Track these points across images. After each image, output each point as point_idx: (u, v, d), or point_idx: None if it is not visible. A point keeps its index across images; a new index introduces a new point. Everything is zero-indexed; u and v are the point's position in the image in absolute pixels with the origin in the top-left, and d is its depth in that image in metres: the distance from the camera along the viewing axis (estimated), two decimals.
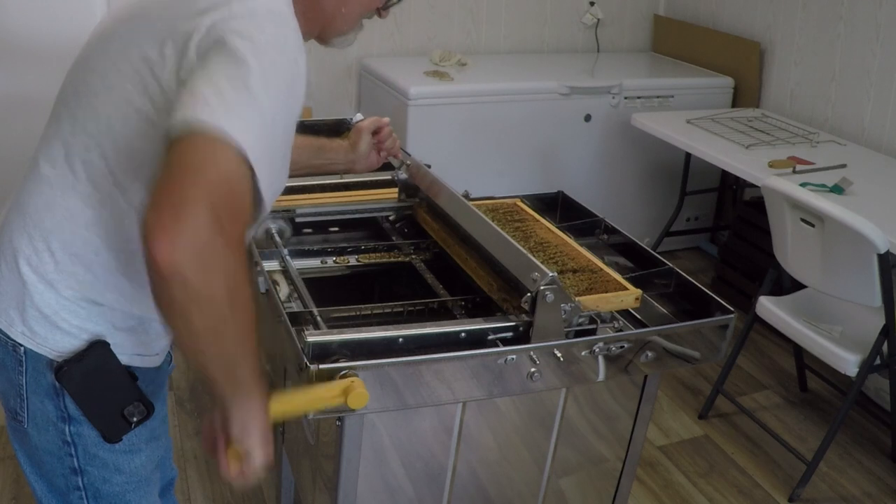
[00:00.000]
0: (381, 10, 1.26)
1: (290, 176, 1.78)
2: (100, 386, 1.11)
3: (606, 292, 1.41)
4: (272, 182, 0.98)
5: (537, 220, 1.70)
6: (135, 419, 1.13)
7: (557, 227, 1.69)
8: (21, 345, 1.09)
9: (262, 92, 0.92)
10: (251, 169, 0.90)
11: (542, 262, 1.45)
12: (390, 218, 1.81)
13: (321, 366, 1.18)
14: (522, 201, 1.81)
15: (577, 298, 1.36)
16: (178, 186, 0.84)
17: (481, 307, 1.47)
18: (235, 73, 0.92)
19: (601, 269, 1.49)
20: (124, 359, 1.12)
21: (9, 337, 1.10)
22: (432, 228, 1.68)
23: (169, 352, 1.28)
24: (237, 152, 0.88)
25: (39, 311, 1.08)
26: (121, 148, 1.03)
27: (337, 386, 1.15)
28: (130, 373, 1.13)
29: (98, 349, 1.09)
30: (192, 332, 0.89)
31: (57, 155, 1.08)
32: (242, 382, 0.98)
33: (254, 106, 0.91)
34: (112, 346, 1.11)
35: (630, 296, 1.42)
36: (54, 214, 1.07)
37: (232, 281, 0.87)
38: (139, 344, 1.15)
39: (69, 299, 1.08)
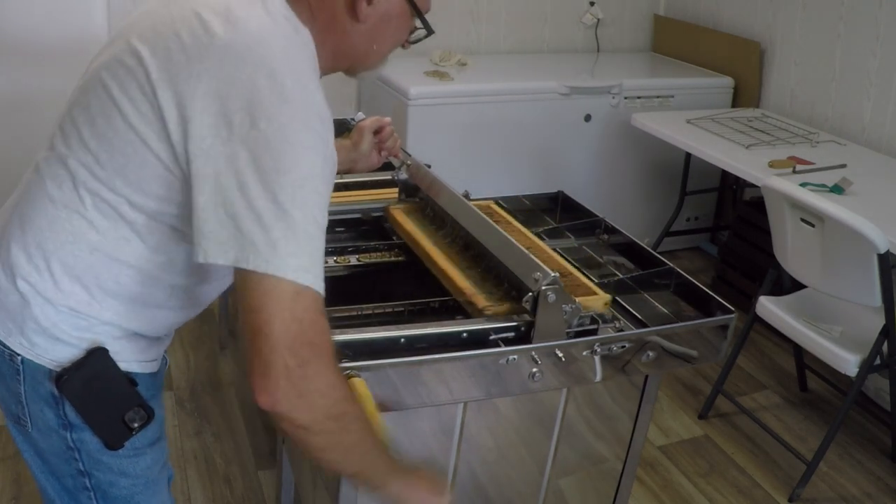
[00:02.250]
0: (406, 42, 1.24)
1: None
2: (100, 393, 1.11)
3: (576, 296, 1.39)
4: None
5: (510, 223, 1.69)
6: (136, 425, 1.13)
7: (533, 232, 1.70)
8: (18, 354, 1.08)
9: (300, 200, 0.93)
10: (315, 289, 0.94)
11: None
12: (364, 219, 1.80)
13: None
14: (496, 203, 1.81)
15: None
16: (257, 351, 0.91)
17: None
18: (267, 188, 0.92)
19: (571, 273, 1.48)
20: (123, 365, 1.12)
21: (6, 347, 1.09)
22: (402, 231, 1.67)
23: (163, 355, 1.28)
24: (298, 288, 0.91)
25: (38, 323, 1.07)
26: (132, 184, 1.02)
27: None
28: (130, 379, 1.12)
29: (97, 356, 1.09)
30: (334, 456, 1.01)
31: (64, 178, 1.06)
32: (385, 474, 1.09)
33: (298, 226, 0.92)
34: (111, 354, 1.10)
35: (599, 300, 1.41)
36: (57, 236, 1.06)
37: (334, 398, 0.96)
38: (138, 351, 1.14)
39: (67, 313, 1.07)
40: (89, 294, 1.07)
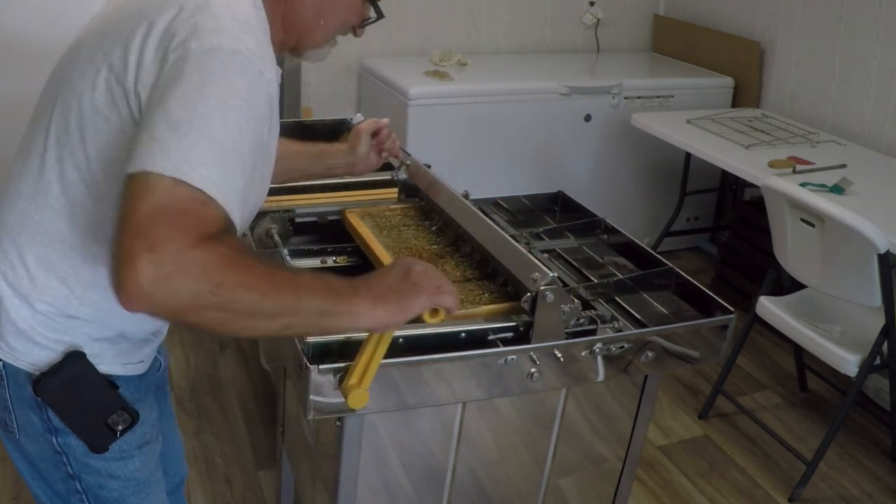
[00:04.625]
0: (357, 28, 1.25)
1: (290, 182, 1.79)
2: (79, 397, 1.10)
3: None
4: (248, 194, 0.97)
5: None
6: (119, 428, 1.12)
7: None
8: (0, 360, 1.08)
9: (220, 120, 0.91)
10: (213, 199, 0.89)
11: (456, 265, 1.47)
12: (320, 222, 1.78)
13: (321, 366, 1.18)
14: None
15: (491, 305, 1.36)
16: (121, 238, 0.85)
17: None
18: (191, 104, 0.90)
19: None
20: (104, 368, 1.11)
21: None
22: (356, 234, 1.66)
23: (157, 357, 1.27)
24: (177, 181, 0.87)
25: (15, 325, 1.07)
26: (93, 158, 1.02)
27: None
28: (111, 382, 1.12)
29: (74, 360, 1.08)
30: (241, 325, 0.90)
31: (31, 168, 1.07)
32: (332, 311, 0.97)
33: (211, 140, 0.90)
34: (90, 357, 1.09)
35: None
36: (28, 229, 1.06)
37: (201, 270, 0.86)
38: (120, 353, 1.14)
39: (44, 314, 1.07)
40: (67, 288, 1.07)
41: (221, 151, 0.90)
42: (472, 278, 1.47)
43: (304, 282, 0.96)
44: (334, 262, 1.67)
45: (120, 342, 1.14)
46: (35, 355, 1.08)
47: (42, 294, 1.06)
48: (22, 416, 1.11)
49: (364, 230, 1.64)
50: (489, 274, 1.47)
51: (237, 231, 0.93)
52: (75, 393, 1.09)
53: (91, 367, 1.09)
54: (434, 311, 1.10)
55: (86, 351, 1.09)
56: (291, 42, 1.20)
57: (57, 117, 1.05)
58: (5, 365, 1.09)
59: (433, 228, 1.67)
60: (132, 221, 0.84)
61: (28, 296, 1.06)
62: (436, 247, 1.58)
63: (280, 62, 1.17)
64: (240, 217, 0.94)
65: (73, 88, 1.04)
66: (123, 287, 0.83)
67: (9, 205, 1.09)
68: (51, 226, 1.05)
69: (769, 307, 2.44)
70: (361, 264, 1.65)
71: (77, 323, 1.09)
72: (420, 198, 1.80)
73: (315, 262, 1.72)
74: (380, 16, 1.24)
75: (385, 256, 1.53)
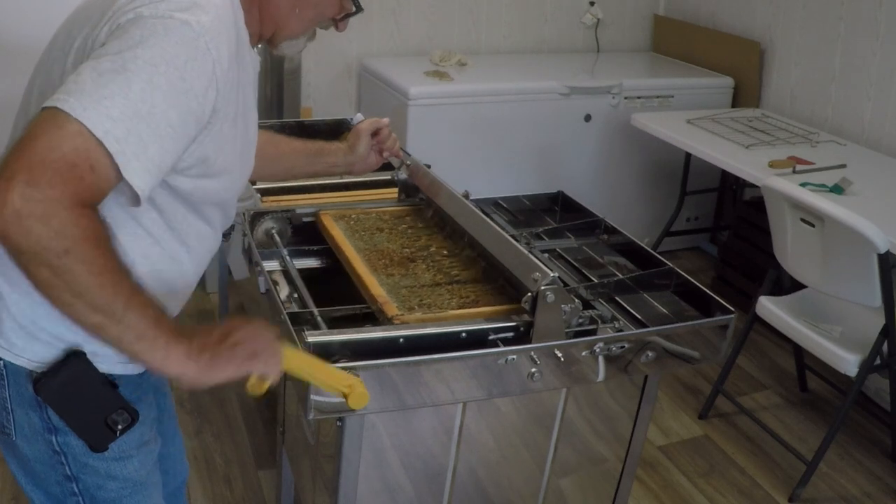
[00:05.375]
0: (339, 22, 1.25)
1: (292, 180, 1.78)
2: (79, 397, 1.09)
3: (494, 305, 1.39)
4: (162, 161, 0.95)
5: (443, 229, 1.69)
6: (119, 427, 1.11)
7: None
8: (0, 358, 1.08)
9: (144, 82, 0.91)
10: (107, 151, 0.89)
11: (426, 269, 1.48)
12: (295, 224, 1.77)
13: None
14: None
15: (458, 311, 1.36)
16: (5, 162, 0.86)
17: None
18: (122, 60, 0.91)
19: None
20: (104, 367, 1.11)
21: None
22: (328, 236, 1.66)
23: None
24: (82, 130, 0.87)
25: (16, 321, 1.07)
26: None
27: (343, 380, 1.14)
28: (111, 381, 1.11)
29: (74, 360, 1.07)
30: (61, 296, 0.90)
31: None
32: (140, 339, 0.95)
33: (127, 98, 0.90)
34: (90, 356, 1.09)
35: (517, 310, 1.38)
36: None
37: (56, 231, 0.86)
38: (119, 351, 1.13)
39: (44, 308, 1.03)
40: None
41: (133, 112, 0.90)
42: (441, 283, 1.46)
43: (140, 301, 0.95)
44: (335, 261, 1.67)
45: None
46: (36, 352, 1.08)
47: None
48: (21, 416, 1.11)
49: (336, 232, 1.64)
50: (458, 279, 1.47)
51: (141, 197, 0.93)
52: (75, 392, 1.09)
53: (91, 366, 1.09)
54: (261, 380, 1.05)
55: (85, 349, 1.09)
56: (268, 32, 1.19)
57: (35, 108, 1.05)
58: (6, 364, 1.08)
59: (409, 232, 1.66)
60: (27, 149, 0.85)
61: (28, 291, 1.06)
62: (407, 250, 1.58)
63: (268, 53, 1.17)
64: (149, 182, 0.93)
65: (50, 78, 1.05)
66: None
67: None
68: None
69: (769, 307, 2.44)
70: (333, 266, 1.64)
71: None
72: (420, 198, 1.80)
73: (315, 263, 1.72)
74: (359, 9, 1.24)
75: (356, 259, 1.53)
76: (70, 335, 1.08)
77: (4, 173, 0.84)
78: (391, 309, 1.36)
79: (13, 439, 1.13)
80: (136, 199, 0.94)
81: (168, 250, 1.10)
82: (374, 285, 1.44)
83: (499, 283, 1.46)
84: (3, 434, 1.14)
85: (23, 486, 1.19)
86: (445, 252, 1.57)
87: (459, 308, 1.38)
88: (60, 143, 0.86)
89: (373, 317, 1.42)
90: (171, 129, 0.94)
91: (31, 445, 1.13)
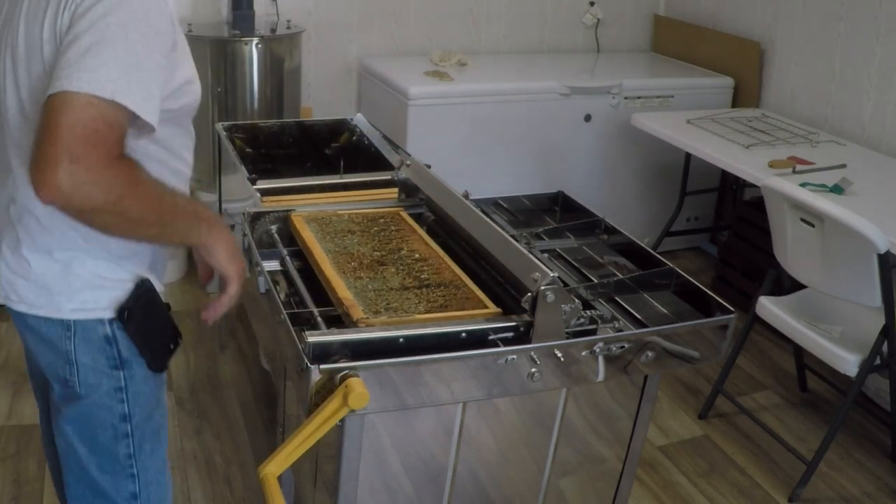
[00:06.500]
0: None
1: None
2: (153, 319, 1.25)
3: (462, 310, 1.38)
4: (161, 93, 1.10)
5: (415, 231, 1.68)
6: (172, 347, 1.28)
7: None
8: (70, 320, 1.20)
9: (123, 41, 1.04)
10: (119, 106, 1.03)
11: (395, 273, 1.48)
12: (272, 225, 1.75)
13: (321, 366, 1.18)
14: (405, 210, 1.78)
15: (425, 315, 1.36)
16: (42, 147, 0.99)
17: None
18: (98, 31, 1.03)
19: (465, 286, 1.47)
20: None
21: (60, 320, 1.20)
22: (299, 238, 1.65)
23: None
24: (91, 100, 1.00)
25: (82, 280, 1.19)
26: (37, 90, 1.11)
27: (335, 397, 1.15)
28: (168, 304, 1.29)
29: (145, 286, 1.23)
30: (125, 228, 1.09)
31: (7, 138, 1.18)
32: (188, 230, 1.18)
33: (116, 59, 1.03)
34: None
35: (485, 315, 1.38)
36: (25, 196, 1.16)
37: (108, 185, 1.02)
38: (157, 279, 1.28)
39: (102, 258, 1.20)
40: (76, 231, 1.15)
41: (125, 68, 1.03)
42: (410, 287, 1.46)
43: (180, 204, 1.16)
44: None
45: (156, 268, 1.29)
46: (104, 300, 1.20)
47: (94, 240, 1.16)
48: (86, 364, 1.22)
49: (307, 234, 1.63)
50: (427, 283, 1.47)
51: (154, 123, 1.08)
52: (150, 315, 1.24)
53: (155, 291, 1.26)
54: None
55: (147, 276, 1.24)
56: None
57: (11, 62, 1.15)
58: (75, 322, 1.20)
59: (381, 235, 1.65)
60: (56, 133, 0.98)
61: (86, 248, 1.18)
62: (378, 253, 1.58)
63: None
64: (158, 113, 1.08)
65: (31, 54, 1.13)
66: (46, 187, 0.98)
67: (14, 182, 1.19)
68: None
69: (769, 307, 2.44)
70: (304, 267, 1.63)
71: (126, 255, 1.21)
72: (420, 198, 1.80)
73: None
74: None
75: (324, 261, 1.52)
76: (127, 274, 1.22)
77: (49, 162, 0.98)
78: (357, 312, 1.35)
79: (77, 390, 1.23)
80: (149, 129, 1.08)
81: (171, 167, 1.25)
82: (341, 287, 1.43)
83: (462, 290, 1.45)
84: (67, 388, 1.24)
85: (74, 445, 1.26)
86: (417, 256, 1.57)
87: (427, 312, 1.37)
88: (79, 117, 0.99)
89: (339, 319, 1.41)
90: (159, 68, 1.09)
91: (93, 392, 1.23)
